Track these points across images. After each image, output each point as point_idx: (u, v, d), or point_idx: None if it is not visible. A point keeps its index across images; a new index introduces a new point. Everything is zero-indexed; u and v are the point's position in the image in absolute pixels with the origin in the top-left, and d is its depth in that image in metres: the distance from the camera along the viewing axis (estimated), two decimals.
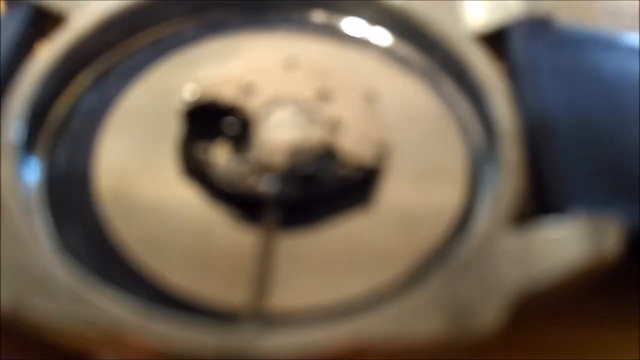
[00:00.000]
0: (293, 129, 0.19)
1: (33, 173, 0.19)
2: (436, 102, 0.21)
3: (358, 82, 0.21)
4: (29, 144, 0.19)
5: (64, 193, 0.19)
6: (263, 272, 0.18)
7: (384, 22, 0.22)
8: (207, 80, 0.20)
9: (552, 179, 0.18)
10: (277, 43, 0.22)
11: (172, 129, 0.20)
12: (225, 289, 0.17)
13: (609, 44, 0.21)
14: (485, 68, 0.20)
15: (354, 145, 0.19)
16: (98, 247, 0.18)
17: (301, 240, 0.18)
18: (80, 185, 0.19)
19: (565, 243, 0.17)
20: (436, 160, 0.20)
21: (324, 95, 0.20)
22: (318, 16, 0.22)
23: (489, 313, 0.16)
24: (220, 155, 0.19)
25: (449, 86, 0.21)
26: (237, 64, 0.21)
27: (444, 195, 0.19)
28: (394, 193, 0.19)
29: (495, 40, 0.21)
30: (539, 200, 0.18)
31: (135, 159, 0.19)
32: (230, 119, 0.20)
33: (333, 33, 0.22)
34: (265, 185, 0.18)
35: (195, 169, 0.19)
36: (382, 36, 0.22)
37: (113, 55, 0.21)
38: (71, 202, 0.19)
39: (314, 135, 0.19)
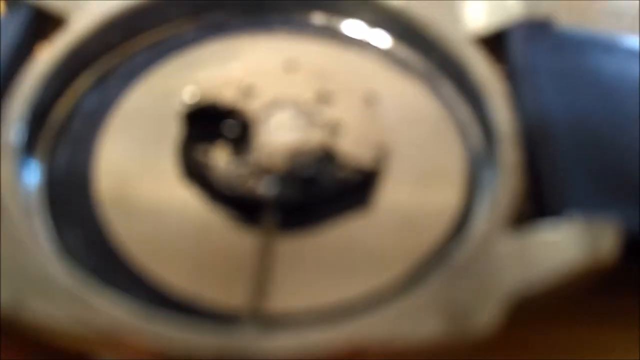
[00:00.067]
0: (293, 132, 0.19)
1: (33, 175, 0.19)
2: (435, 104, 0.21)
3: (357, 85, 0.21)
4: (29, 146, 0.19)
5: (64, 195, 0.19)
6: (262, 273, 0.18)
7: (383, 24, 0.22)
8: (207, 83, 0.20)
9: (551, 181, 0.18)
10: (277, 45, 0.22)
11: (172, 131, 0.20)
12: (224, 291, 0.17)
13: (608, 47, 0.21)
14: (484, 70, 0.20)
15: (354, 147, 0.19)
16: (98, 249, 0.18)
17: (300, 242, 0.18)
18: (80, 187, 0.19)
19: (563, 245, 0.17)
20: (435, 163, 0.20)
21: (324, 98, 0.20)
22: (318, 18, 0.22)
23: (487, 314, 0.16)
24: (220, 158, 0.19)
25: (448, 88, 0.21)
26: (237, 66, 0.21)
27: (443, 197, 0.19)
28: (393, 195, 0.19)
29: (495, 43, 0.21)
30: (537, 203, 0.18)
31: (135, 161, 0.19)
32: (230, 121, 0.20)
33: (333, 35, 0.22)
34: (264, 188, 0.18)
35: (195, 171, 0.19)
36: (381, 38, 0.22)
37: (113, 57, 0.21)
38: (71, 204, 0.19)
39: (313, 137, 0.19)
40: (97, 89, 0.21)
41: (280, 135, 0.19)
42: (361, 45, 0.22)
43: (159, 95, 0.21)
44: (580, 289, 0.17)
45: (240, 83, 0.20)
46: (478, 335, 0.16)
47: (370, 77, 0.21)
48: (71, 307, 0.16)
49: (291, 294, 0.18)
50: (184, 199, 0.19)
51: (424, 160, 0.20)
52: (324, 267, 0.18)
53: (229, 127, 0.19)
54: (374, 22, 0.22)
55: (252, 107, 0.20)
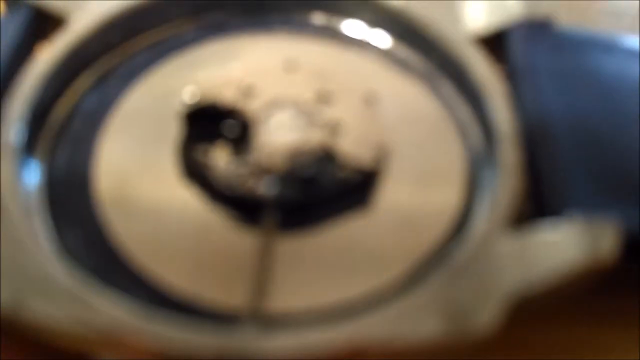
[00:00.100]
0: (293, 132, 0.19)
1: (33, 175, 0.19)
2: (435, 104, 0.21)
3: (357, 84, 0.21)
4: (29, 146, 0.19)
5: (64, 195, 0.19)
6: (262, 273, 0.18)
7: (383, 24, 0.22)
8: (207, 83, 0.20)
9: (551, 181, 0.18)
10: (277, 45, 0.22)
11: (172, 131, 0.20)
12: (224, 291, 0.17)
13: (608, 47, 0.21)
14: (484, 70, 0.20)
15: (354, 147, 0.19)
16: (98, 249, 0.18)
17: (300, 242, 0.18)
18: (80, 187, 0.19)
19: (563, 245, 0.17)
20: (435, 163, 0.20)
21: (324, 98, 0.20)
22: (318, 18, 0.22)
23: (487, 314, 0.16)
24: (220, 158, 0.19)
25: (448, 88, 0.21)
26: (237, 66, 0.21)
27: (443, 197, 0.19)
28: (393, 195, 0.19)
29: (495, 43, 0.21)
30: (537, 203, 0.18)
31: (135, 161, 0.19)
32: (230, 121, 0.20)
33: (333, 35, 0.22)
34: (264, 188, 0.18)
35: (195, 171, 0.19)
36: (381, 38, 0.22)
37: (113, 57, 0.21)
38: (71, 204, 0.19)
39: (313, 137, 0.19)
40: (97, 89, 0.21)
41: (280, 135, 0.19)
42: (361, 45, 0.22)
43: (159, 95, 0.21)
44: (581, 289, 0.17)
45: (240, 83, 0.20)
46: (478, 335, 0.16)
47: (370, 77, 0.21)
48: (71, 307, 0.16)
49: (291, 294, 0.18)
50: (184, 199, 0.19)
51: (424, 160, 0.20)
52: (324, 267, 0.18)
53: (229, 127, 0.19)
54: (374, 22, 0.22)
55: (252, 107, 0.20)
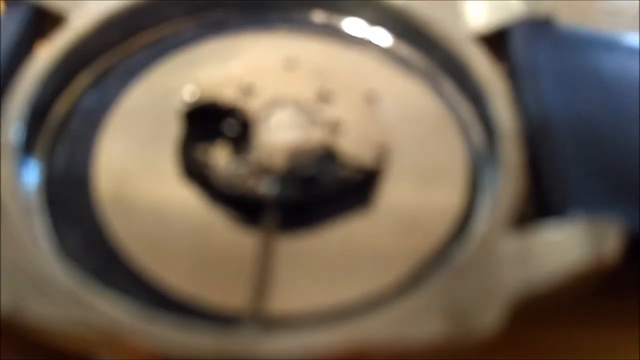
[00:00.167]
0: (293, 130, 0.19)
1: (32, 174, 0.19)
2: (436, 103, 0.21)
3: (358, 83, 0.21)
4: (29, 145, 0.19)
5: (64, 194, 0.19)
6: (262, 274, 0.18)
7: (384, 22, 0.22)
8: (207, 81, 0.20)
9: (553, 180, 0.18)
10: (277, 43, 0.22)
11: (172, 130, 0.20)
12: (224, 291, 0.17)
13: (609, 45, 0.21)
14: (485, 69, 0.20)
15: (354, 146, 0.19)
16: (97, 249, 0.18)
17: (301, 242, 0.18)
18: (79, 187, 0.19)
19: (565, 246, 0.17)
20: (436, 162, 0.20)
21: (324, 96, 0.20)
22: (318, 16, 0.22)
23: (489, 315, 0.16)
24: (220, 157, 0.19)
25: (449, 87, 0.21)
26: (237, 65, 0.21)
27: (444, 197, 0.19)
28: (394, 195, 0.19)
29: (496, 41, 0.21)
30: (539, 203, 0.18)
31: (135, 160, 0.19)
32: (230, 120, 0.19)
33: (333, 33, 0.22)
34: (265, 187, 0.18)
35: (195, 171, 0.19)
36: (382, 36, 0.22)
37: (113, 56, 0.21)
38: (70, 203, 0.19)
39: (314, 136, 0.19)
40: (97, 88, 0.21)
41: (280, 134, 0.19)
42: (362, 43, 0.22)
43: (159, 93, 0.21)
44: (583, 289, 0.17)
45: (240, 82, 0.20)
46: (480, 336, 0.16)
47: (371, 76, 0.21)
48: (71, 307, 0.16)
49: (292, 294, 0.17)
50: (183, 198, 0.19)
51: (425, 160, 0.20)
52: (324, 267, 0.18)
53: (229, 126, 0.19)
54: (374, 21, 0.22)
55: (252, 105, 0.20)
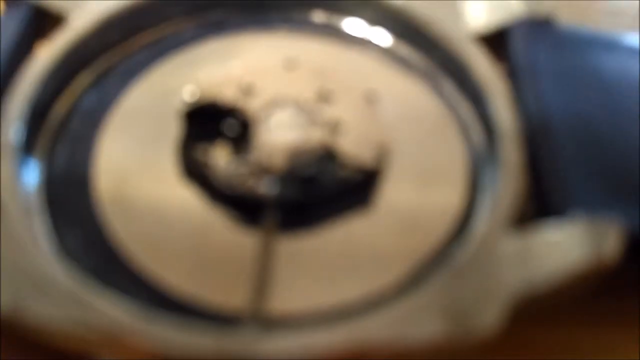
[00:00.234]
0: (293, 130, 0.19)
1: (32, 174, 0.19)
2: (436, 103, 0.21)
3: (358, 83, 0.21)
4: (29, 145, 0.19)
5: (63, 194, 0.19)
6: (262, 274, 0.18)
7: (384, 22, 0.22)
8: (207, 81, 0.20)
9: (553, 180, 0.18)
10: (277, 43, 0.22)
11: (172, 130, 0.20)
12: (224, 291, 0.17)
13: (609, 45, 0.21)
14: (485, 69, 0.20)
15: (354, 146, 0.19)
16: (97, 249, 0.18)
17: (301, 243, 0.18)
18: (79, 187, 0.19)
19: (565, 246, 0.17)
20: (436, 162, 0.20)
21: (324, 96, 0.20)
22: (318, 16, 0.22)
23: (489, 315, 0.16)
24: (220, 157, 0.19)
25: (449, 87, 0.21)
26: (237, 65, 0.21)
27: (444, 197, 0.19)
28: (394, 195, 0.19)
29: (496, 41, 0.21)
30: (539, 202, 0.18)
31: (135, 160, 0.19)
32: (230, 120, 0.19)
33: (333, 33, 0.22)
34: (265, 187, 0.18)
35: (195, 171, 0.19)
36: (382, 36, 0.22)
37: (113, 56, 0.21)
38: (70, 203, 0.19)
39: (314, 136, 0.19)
40: (97, 88, 0.21)
41: (280, 134, 0.19)
42: (362, 43, 0.22)
43: (159, 93, 0.21)
44: (583, 289, 0.17)
45: (240, 81, 0.20)
46: (480, 336, 0.16)
47: (371, 76, 0.21)
48: (71, 307, 0.16)
49: (292, 294, 0.17)
50: (183, 198, 0.19)
51: (425, 160, 0.20)
52: (324, 267, 0.18)
53: (229, 125, 0.19)
54: (374, 21, 0.22)
55: (252, 105, 0.20)
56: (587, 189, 0.18)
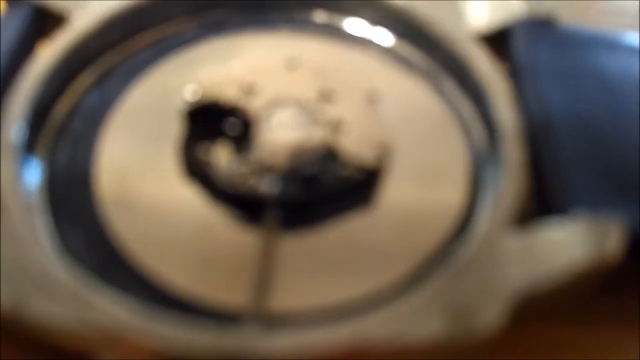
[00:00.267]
0: (294, 130, 0.19)
1: (34, 173, 0.19)
2: (438, 102, 0.21)
3: (360, 83, 0.21)
4: (30, 144, 0.19)
5: (65, 193, 0.19)
6: (264, 272, 0.18)
7: (385, 22, 0.22)
8: (209, 81, 0.20)
9: (554, 179, 0.18)
10: (279, 43, 0.22)
11: (174, 129, 0.20)
12: (226, 290, 0.17)
13: (610, 44, 0.21)
14: (487, 68, 0.20)
15: (356, 145, 0.19)
16: (99, 248, 0.18)
17: (302, 241, 0.18)
18: (81, 186, 0.19)
19: (567, 244, 0.17)
20: (438, 161, 0.20)
21: (326, 96, 0.20)
22: (319, 16, 0.22)
23: (490, 314, 0.16)
24: (221, 156, 0.19)
25: (451, 86, 0.21)
26: (239, 64, 0.21)
27: (446, 196, 0.19)
28: (396, 193, 0.19)
29: (498, 41, 0.21)
30: (541, 201, 0.18)
31: (137, 160, 0.19)
32: (231, 119, 0.19)
33: (335, 33, 0.22)
34: (266, 186, 0.18)
35: (197, 170, 0.19)
36: (384, 36, 0.22)
37: (114, 55, 0.21)
38: (72, 202, 0.19)
39: (315, 135, 0.19)
40: (98, 87, 0.21)
41: (282, 133, 0.19)
42: (363, 43, 0.22)
43: (160, 93, 0.21)
44: (585, 288, 0.17)
45: (242, 81, 0.20)
46: (481, 335, 0.16)
47: (373, 75, 0.21)
48: (72, 306, 0.16)
49: (293, 293, 0.17)
50: (185, 197, 0.19)
51: (426, 159, 0.20)
52: (326, 266, 0.18)
53: (231, 125, 0.19)
54: (376, 20, 0.22)
55: (253, 105, 0.20)
56: (589, 187, 0.18)
